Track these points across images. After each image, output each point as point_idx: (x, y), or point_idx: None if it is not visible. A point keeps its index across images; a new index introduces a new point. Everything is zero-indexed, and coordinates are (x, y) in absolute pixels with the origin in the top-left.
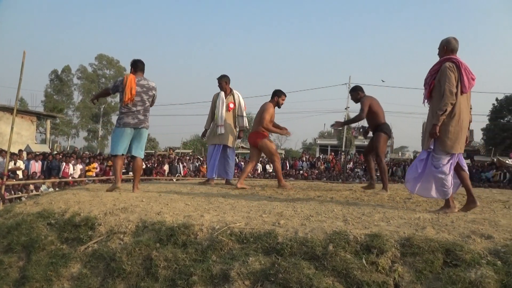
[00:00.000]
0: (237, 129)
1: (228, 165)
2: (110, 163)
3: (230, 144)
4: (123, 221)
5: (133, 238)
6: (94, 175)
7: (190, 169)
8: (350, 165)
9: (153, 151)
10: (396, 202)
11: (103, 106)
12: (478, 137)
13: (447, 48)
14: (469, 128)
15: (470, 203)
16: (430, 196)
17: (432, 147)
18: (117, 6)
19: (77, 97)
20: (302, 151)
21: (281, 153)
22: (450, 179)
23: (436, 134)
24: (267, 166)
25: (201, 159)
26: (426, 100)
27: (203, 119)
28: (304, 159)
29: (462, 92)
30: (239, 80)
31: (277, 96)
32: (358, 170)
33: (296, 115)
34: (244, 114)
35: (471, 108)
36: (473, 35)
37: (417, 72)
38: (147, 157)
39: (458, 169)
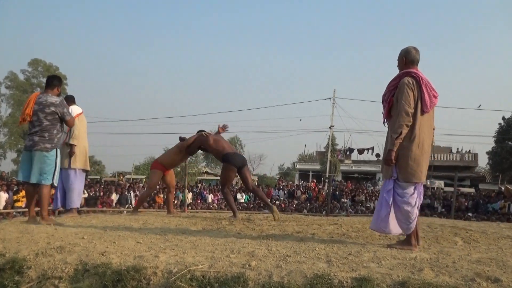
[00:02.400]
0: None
1: (67, 190)
2: None
3: (63, 165)
4: (58, 264)
5: (71, 284)
6: (24, 206)
7: None
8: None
9: (99, 177)
10: (389, 239)
11: None
12: (483, 162)
13: (407, 60)
14: (432, 151)
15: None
16: (389, 232)
17: (395, 175)
18: (57, 5)
19: (4, 110)
20: (278, 178)
21: (253, 180)
22: (416, 212)
23: (391, 161)
24: (238, 195)
25: (157, 187)
26: (385, 120)
27: (158, 138)
28: (281, 187)
29: (423, 112)
30: (203, 93)
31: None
32: (346, 200)
33: (272, 135)
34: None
35: (434, 129)
36: (474, 45)
37: None
38: (90, 185)
39: None
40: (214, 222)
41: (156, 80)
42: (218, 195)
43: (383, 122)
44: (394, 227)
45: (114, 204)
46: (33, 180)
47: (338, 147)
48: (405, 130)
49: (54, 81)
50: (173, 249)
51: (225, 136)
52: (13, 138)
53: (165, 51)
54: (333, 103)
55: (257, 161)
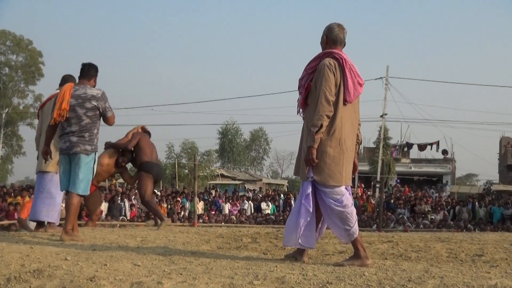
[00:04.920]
0: None
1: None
2: (19, 199)
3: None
4: None
5: None
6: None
7: (141, 210)
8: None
9: None
10: (461, 261)
11: (6, 111)
12: None
13: (328, 38)
14: (357, 151)
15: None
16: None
17: (311, 175)
18: None
19: None
20: None
21: (282, 185)
22: (355, 214)
23: (313, 160)
24: (263, 205)
25: (158, 193)
26: (301, 109)
27: (161, 131)
28: None
29: (345, 101)
30: (216, 74)
31: None
32: (403, 211)
33: None
34: None
35: (359, 125)
36: None
37: (490, 62)
38: None
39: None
40: (233, 240)
41: (158, 57)
42: (237, 204)
43: (298, 112)
44: (306, 240)
45: (103, 216)
46: (72, 189)
47: (393, 142)
48: (326, 122)
49: (92, 70)
50: (181, 274)
51: (247, 127)
52: None
53: (166, 22)
54: (386, 84)
55: (287, 160)
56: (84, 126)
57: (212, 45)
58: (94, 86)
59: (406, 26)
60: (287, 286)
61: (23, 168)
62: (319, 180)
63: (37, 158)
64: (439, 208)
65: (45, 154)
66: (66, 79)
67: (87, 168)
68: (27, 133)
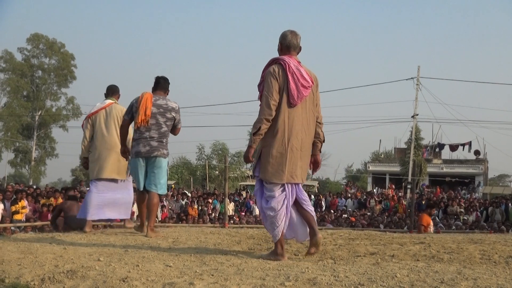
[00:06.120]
0: None
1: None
2: (52, 200)
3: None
4: None
5: None
6: (24, 219)
7: (172, 211)
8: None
9: None
10: (494, 263)
11: (39, 113)
12: None
13: (282, 45)
14: (319, 148)
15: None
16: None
17: (257, 174)
18: None
19: None
20: (345, 183)
21: (313, 186)
22: (282, 217)
23: (248, 158)
24: None
25: (189, 195)
26: None
27: (192, 133)
28: (349, 195)
29: (290, 104)
30: (243, 73)
31: None
32: (435, 212)
33: (337, 127)
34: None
35: (320, 123)
36: None
37: None
38: None
39: (298, 207)
40: (264, 241)
41: (188, 59)
42: None
43: None
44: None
45: (135, 217)
46: (152, 189)
47: (424, 143)
48: (265, 125)
49: (167, 83)
50: (212, 275)
51: None
52: (9, 134)
53: (195, 25)
54: (417, 84)
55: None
56: (163, 133)
57: (242, 46)
58: None
59: (437, 26)
60: (319, 287)
61: (56, 169)
62: (263, 178)
63: (82, 161)
64: (471, 209)
65: (124, 154)
66: (113, 89)
67: (165, 170)
68: (60, 135)
